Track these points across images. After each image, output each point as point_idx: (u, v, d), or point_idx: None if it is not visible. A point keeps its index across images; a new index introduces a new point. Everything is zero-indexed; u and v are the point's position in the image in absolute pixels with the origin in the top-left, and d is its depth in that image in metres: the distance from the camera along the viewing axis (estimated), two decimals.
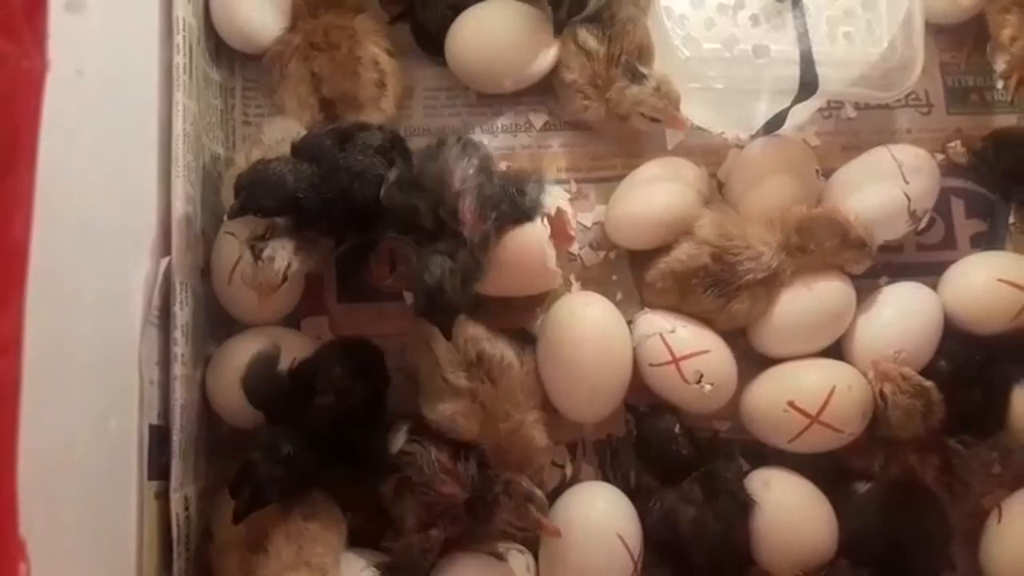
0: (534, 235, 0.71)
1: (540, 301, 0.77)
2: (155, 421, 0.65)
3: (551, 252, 0.71)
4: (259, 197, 0.66)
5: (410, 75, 0.81)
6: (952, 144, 0.83)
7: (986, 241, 0.81)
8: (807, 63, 0.72)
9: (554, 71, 0.78)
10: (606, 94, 0.75)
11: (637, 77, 0.74)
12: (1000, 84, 0.84)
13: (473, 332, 0.69)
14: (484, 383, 0.68)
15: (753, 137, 0.79)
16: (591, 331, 0.72)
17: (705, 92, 0.75)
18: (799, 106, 0.75)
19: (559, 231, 0.74)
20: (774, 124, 0.77)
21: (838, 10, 0.75)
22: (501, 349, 0.70)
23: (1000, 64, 0.83)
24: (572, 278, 0.79)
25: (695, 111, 0.78)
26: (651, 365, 0.72)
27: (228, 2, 0.78)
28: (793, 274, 0.74)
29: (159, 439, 0.65)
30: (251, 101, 0.83)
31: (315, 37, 0.77)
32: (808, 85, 0.72)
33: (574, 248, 0.79)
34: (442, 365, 0.68)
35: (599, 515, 0.70)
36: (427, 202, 0.67)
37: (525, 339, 0.74)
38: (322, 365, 0.68)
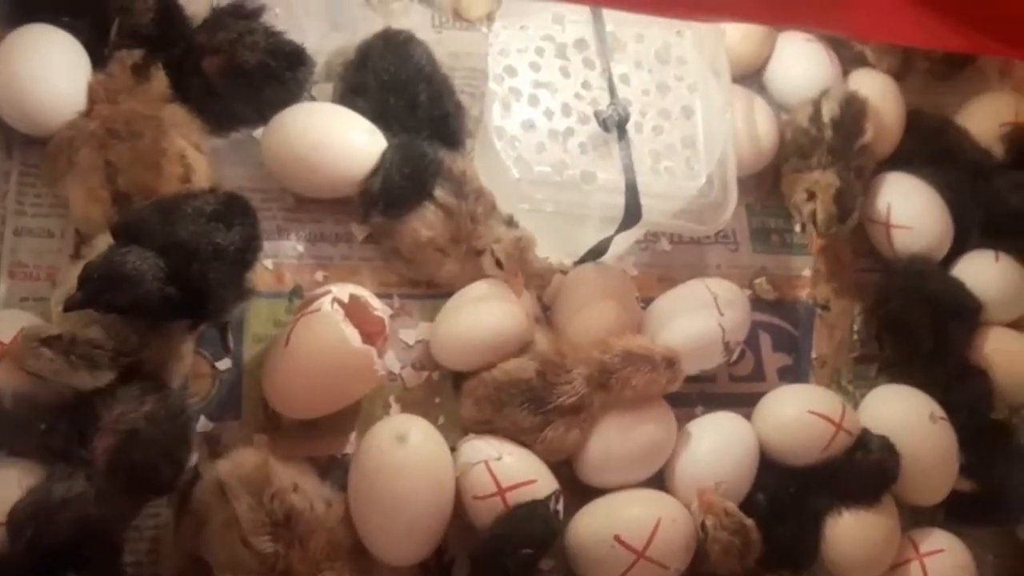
0: (325, 319, 0.65)
1: (353, 422, 0.71)
2: None
3: (353, 332, 0.66)
4: (108, 293, 0.58)
5: (221, 173, 0.74)
6: (759, 280, 0.87)
7: (792, 374, 0.85)
8: (632, 193, 0.73)
9: (395, 236, 0.75)
10: (466, 247, 0.73)
11: (510, 224, 0.74)
12: (798, 228, 0.90)
13: (279, 483, 0.61)
14: (293, 546, 0.60)
15: (577, 263, 0.79)
16: (411, 459, 0.66)
17: (534, 215, 0.75)
18: (621, 235, 0.76)
19: (364, 320, 0.69)
20: (597, 251, 0.78)
21: (660, 144, 0.78)
22: (311, 499, 0.62)
23: (796, 213, 0.90)
24: (392, 400, 0.73)
25: None
26: (475, 497, 0.67)
27: (12, 78, 0.69)
28: (610, 404, 0.72)
29: None
30: (29, 189, 0.72)
31: (114, 124, 0.69)
32: (632, 214, 0.73)
33: (395, 367, 0.74)
34: (243, 526, 0.59)
35: None
36: None
37: (335, 470, 0.68)
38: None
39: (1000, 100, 0.96)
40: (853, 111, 0.86)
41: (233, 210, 0.65)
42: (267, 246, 0.74)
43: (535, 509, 0.66)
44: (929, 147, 0.92)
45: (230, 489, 0.60)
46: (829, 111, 0.86)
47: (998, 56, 0.94)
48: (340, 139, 0.73)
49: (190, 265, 0.61)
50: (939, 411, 0.79)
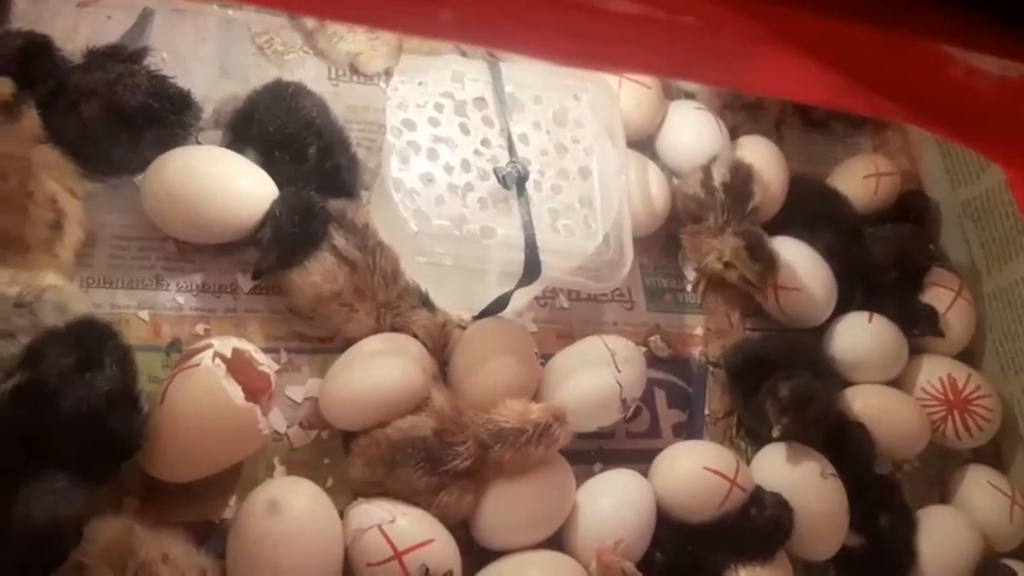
0: (205, 375, 0.62)
1: (233, 484, 0.66)
2: None
3: (236, 389, 0.62)
4: None
5: (96, 220, 0.70)
6: (653, 338, 0.88)
7: (686, 431, 0.85)
8: (531, 249, 0.73)
9: (292, 291, 0.72)
10: (376, 303, 0.72)
11: (429, 307, 0.74)
12: (690, 288, 0.92)
13: (145, 554, 0.56)
14: None
15: (476, 318, 0.78)
16: (296, 525, 0.61)
17: (432, 268, 0.73)
18: (521, 291, 0.75)
19: (248, 376, 0.65)
20: (497, 306, 0.77)
21: (559, 203, 0.78)
22: (182, 570, 0.57)
23: (690, 272, 0.92)
24: (277, 461, 0.69)
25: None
26: (370, 565, 0.63)
27: None
28: (499, 469, 0.70)
29: None
30: None
31: None
32: (532, 270, 0.73)
33: (281, 426, 0.70)
34: None
35: None
36: None
37: (213, 536, 0.63)
38: None
39: (864, 159, 1.03)
40: (741, 176, 0.89)
41: (90, 342, 0.60)
42: (144, 297, 0.70)
43: None
44: (810, 210, 0.96)
45: (87, 566, 0.54)
46: (720, 176, 0.89)
47: (898, 121, 1.00)
48: (227, 184, 0.70)
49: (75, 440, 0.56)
50: (829, 468, 0.81)
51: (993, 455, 0.94)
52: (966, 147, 0.70)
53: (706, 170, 0.90)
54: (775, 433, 0.79)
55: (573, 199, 0.79)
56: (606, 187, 0.81)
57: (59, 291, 0.63)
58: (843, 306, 0.93)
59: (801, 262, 0.91)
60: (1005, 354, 0.95)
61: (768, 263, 0.86)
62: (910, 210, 1.01)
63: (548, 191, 0.79)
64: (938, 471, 0.93)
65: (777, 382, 0.80)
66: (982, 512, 0.88)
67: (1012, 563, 0.85)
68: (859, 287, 0.94)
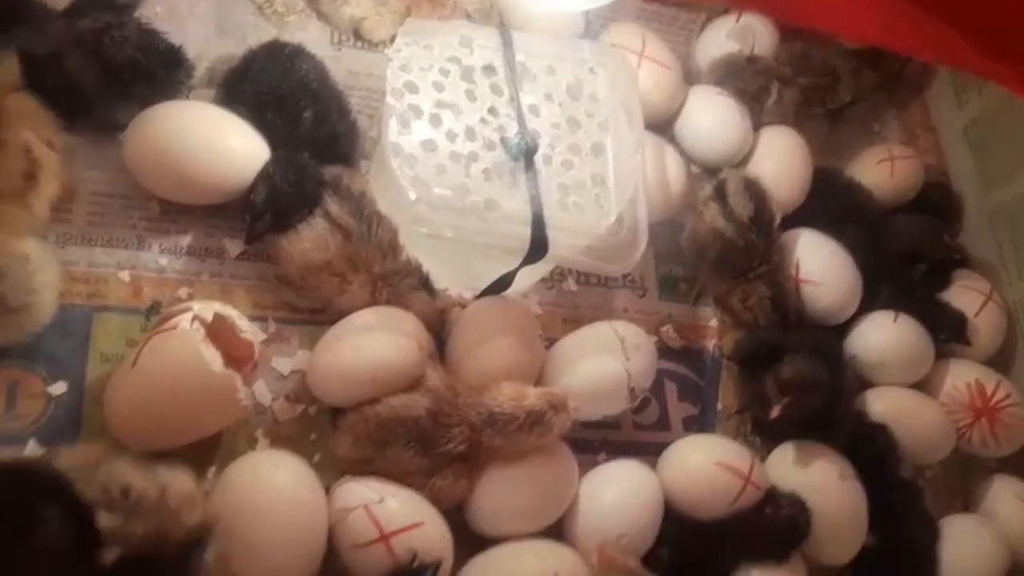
0: (181, 338, 0.58)
1: (211, 457, 0.62)
2: None
3: (214, 354, 0.58)
4: None
5: (75, 174, 0.66)
6: (665, 328, 0.83)
7: (697, 425, 0.80)
8: (538, 225, 0.68)
9: (282, 259, 0.68)
10: (372, 275, 0.68)
11: (429, 290, 0.70)
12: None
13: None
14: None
15: (478, 296, 0.73)
16: (278, 499, 0.57)
17: (433, 243, 0.68)
18: (526, 270, 0.70)
19: (231, 344, 0.61)
20: (501, 285, 0.72)
21: (569, 180, 0.73)
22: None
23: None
24: (260, 434, 0.64)
25: (421, 261, 0.71)
26: (354, 546, 0.59)
27: None
28: (495, 453, 0.66)
29: None
30: None
31: None
32: (538, 247, 0.68)
33: (266, 398, 0.65)
34: None
35: None
36: None
37: None
38: None
39: (878, 146, 0.98)
40: (762, 201, 0.83)
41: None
42: (125, 256, 0.66)
43: None
44: (832, 204, 0.91)
45: None
46: (744, 209, 0.82)
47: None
48: (217, 142, 0.66)
49: None
50: (848, 469, 0.76)
51: (1020, 465, 0.89)
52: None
53: (720, 196, 0.83)
54: (773, 413, 0.73)
55: (585, 176, 0.75)
56: (620, 166, 0.76)
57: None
58: (868, 304, 0.88)
59: (824, 256, 0.86)
60: None
61: (784, 314, 0.82)
62: (931, 202, 0.96)
63: (558, 166, 0.74)
64: (962, 479, 0.88)
65: (782, 362, 0.75)
66: (1008, 524, 0.82)
67: None
68: (885, 285, 0.90)
